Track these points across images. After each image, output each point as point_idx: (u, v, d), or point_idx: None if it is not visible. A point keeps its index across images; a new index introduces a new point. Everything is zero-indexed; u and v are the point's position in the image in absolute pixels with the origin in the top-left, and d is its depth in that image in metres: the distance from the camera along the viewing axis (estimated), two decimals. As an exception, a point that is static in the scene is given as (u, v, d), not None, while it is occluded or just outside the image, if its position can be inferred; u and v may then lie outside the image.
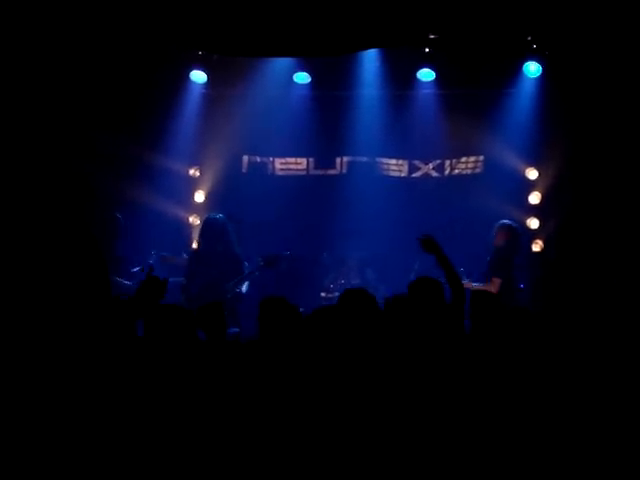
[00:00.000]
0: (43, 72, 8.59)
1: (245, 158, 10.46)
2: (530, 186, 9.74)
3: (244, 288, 8.55)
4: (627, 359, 4.97)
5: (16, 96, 8.42)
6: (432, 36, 9.07)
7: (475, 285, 7.85)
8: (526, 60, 9.21)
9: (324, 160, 10.45)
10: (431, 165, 10.25)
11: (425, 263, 9.25)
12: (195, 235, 9.61)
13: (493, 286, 7.85)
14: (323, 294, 9.13)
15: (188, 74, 9.64)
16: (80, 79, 8.94)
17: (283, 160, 10.47)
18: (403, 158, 10.32)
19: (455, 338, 5.08)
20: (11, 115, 8.39)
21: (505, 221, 8.42)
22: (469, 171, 10.13)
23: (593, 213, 8.98)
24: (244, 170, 10.48)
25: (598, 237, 8.85)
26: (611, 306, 7.50)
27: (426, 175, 10.28)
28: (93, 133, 9.14)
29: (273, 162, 10.48)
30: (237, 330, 7.85)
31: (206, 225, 8.69)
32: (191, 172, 10.17)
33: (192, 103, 9.93)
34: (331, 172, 10.44)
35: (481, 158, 10.06)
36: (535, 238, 9.62)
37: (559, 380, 4.71)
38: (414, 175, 10.32)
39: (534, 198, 9.71)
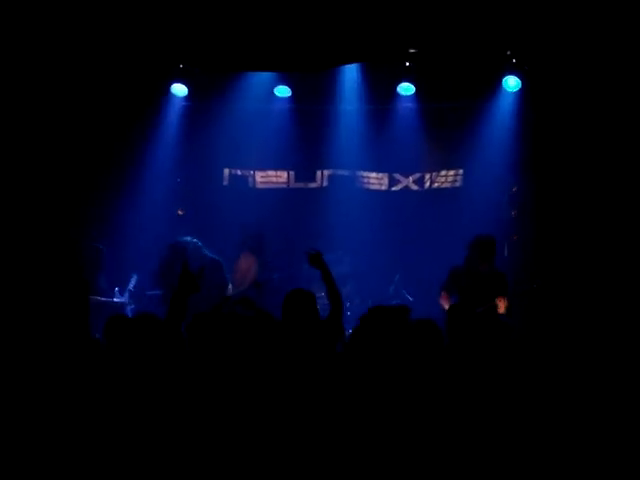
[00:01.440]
0: (21, 86, 8.60)
1: (226, 171, 10.47)
2: (509, 199, 9.79)
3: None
4: (614, 370, 4.99)
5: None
6: (412, 50, 9.11)
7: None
8: (505, 74, 9.24)
9: (305, 173, 10.48)
10: (411, 178, 10.30)
11: (407, 275, 9.35)
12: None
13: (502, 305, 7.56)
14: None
15: (169, 87, 9.61)
16: (60, 94, 8.93)
17: (264, 173, 10.48)
18: (383, 171, 10.37)
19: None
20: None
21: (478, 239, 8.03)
22: (449, 184, 10.18)
23: (571, 225, 9.03)
24: (225, 183, 10.48)
25: (577, 249, 8.89)
26: (593, 317, 7.55)
27: (406, 188, 10.32)
28: (73, 148, 9.15)
29: (254, 175, 10.49)
30: None
31: (174, 252, 8.58)
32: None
33: (173, 116, 9.93)
34: (312, 185, 10.47)
35: (461, 172, 10.11)
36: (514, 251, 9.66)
37: (541, 393, 4.72)
38: (394, 188, 10.36)
39: (513, 212, 9.75)
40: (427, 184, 10.25)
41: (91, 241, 8.75)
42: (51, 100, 8.89)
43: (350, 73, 9.71)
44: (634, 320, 7.24)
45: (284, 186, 10.50)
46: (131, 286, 8.70)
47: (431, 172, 10.23)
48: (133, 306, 8.57)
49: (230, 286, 8.69)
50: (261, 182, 10.50)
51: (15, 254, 8.16)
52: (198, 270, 5.30)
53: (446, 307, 7.72)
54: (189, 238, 8.63)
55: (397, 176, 10.32)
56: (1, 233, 8.35)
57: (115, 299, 8.52)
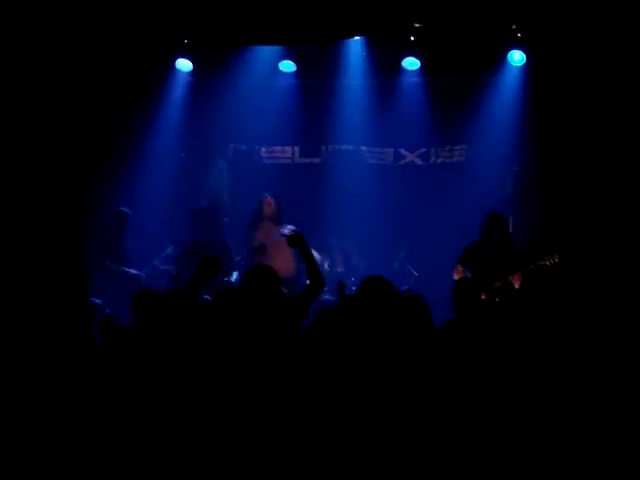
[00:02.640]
0: (27, 63, 8.60)
1: (231, 146, 10.46)
2: (513, 175, 9.80)
3: (234, 278, 8.57)
4: (613, 346, 5.01)
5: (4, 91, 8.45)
6: (417, 25, 9.08)
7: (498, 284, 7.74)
8: (511, 49, 9.23)
9: (309, 148, 10.46)
10: (416, 153, 10.28)
11: (411, 250, 9.37)
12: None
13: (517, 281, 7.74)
14: (309, 281, 9.09)
15: (174, 63, 9.62)
16: (66, 69, 8.93)
17: (269, 148, 10.47)
18: (388, 146, 10.35)
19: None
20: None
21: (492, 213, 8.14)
22: (454, 159, 10.17)
23: (575, 200, 9.03)
24: (230, 158, 10.48)
25: (581, 224, 8.90)
26: (593, 294, 7.57)
27: (411, 163, 10.31)
28: (81, 123, 9.16)
29: (259, 150, 10.48)
30: None
31: (195, 215, 8.72)
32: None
33: (178, 92, 9.92)
34: (316, 160, 10.46)
35: (465, 147, 10.09)
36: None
37: (546, 370, 4.73)
38: (399, 163, 10.34)
39: (517, 187, 9.77)
40: (432, 159, 10.24)
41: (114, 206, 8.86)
42: (56, 75, 8.89)
43: (355, 48, 9.69)
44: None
45: (289, 161, 10.49)
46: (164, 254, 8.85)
47: (436, 147, 10.21)
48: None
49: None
50: (266, 157, 10.50)
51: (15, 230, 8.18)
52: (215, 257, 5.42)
53: None
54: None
55: (402, 151, 10.30)
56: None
57: (132, 270, 8.60)
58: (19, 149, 8.64)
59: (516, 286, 7.58)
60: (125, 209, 8.87)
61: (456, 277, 7.97)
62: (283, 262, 8.31)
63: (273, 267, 5.68)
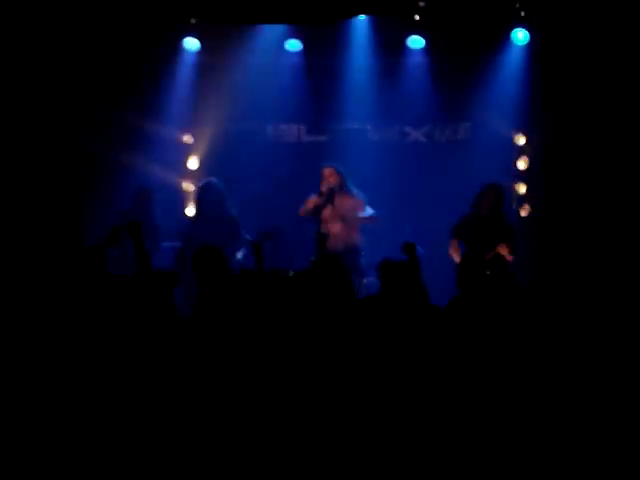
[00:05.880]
0: (32, 43, 8.66)
1: (237, 125, 10.52)
2: (518, 152, 9.91)
3: (240, 256, 8.64)
4: (616, 324, 5.09)
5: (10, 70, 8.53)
6: (421, 3, 9.15)
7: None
8: (514, 27, 9.28)
9: (315, 127, 10.54)
10: (421, 131, 10.36)
11: (417, 227, 9.48)
12: (189, 201, 9.79)
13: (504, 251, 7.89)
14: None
15: (181, 42, 9.68)
16: (72, 47, 9.00)
17: (275, 127, 10.55)
18: (393, 124, 10.43)
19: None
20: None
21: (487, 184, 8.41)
22: (458, 137, 10.25)
23: (579, 179, 9.11)
24: (236, 136, 10.55)
25: (585, 202, 8.98)
26: (599, 272, 7.67)
27: (416, 141, 10.39)
28: (87, 102, 9.24)
29: (265, 129, 10.55)
30: None
31: (203, 190, 8.80)
32: (185, 138, 10.20)
33: (185, 70, 9.97)
34: (322, 138, 10.53)
35: (469, 124, 10.19)
36: (523, 203, 9.80)
37: (548, 350, 4.81)
38: (404, 141, 10.42)
39: (522, 164, 9.88)
40: (437, 137, 10.32)
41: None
42: (61, 53, 8.96)
43: (360, 26, 9.74)
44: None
45: (295, 140, 10.57)
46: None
47: (440, 125, 10.30)
48: None
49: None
50: (272, 136, 10.57)
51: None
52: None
53: (455, 257, 7.96)
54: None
55: (407, 129, 10.40)
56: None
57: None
58: (23, 130, 8.74)
59: (505, 256, 7.69)
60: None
61: (451, 252, 8.19)
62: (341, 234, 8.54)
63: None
